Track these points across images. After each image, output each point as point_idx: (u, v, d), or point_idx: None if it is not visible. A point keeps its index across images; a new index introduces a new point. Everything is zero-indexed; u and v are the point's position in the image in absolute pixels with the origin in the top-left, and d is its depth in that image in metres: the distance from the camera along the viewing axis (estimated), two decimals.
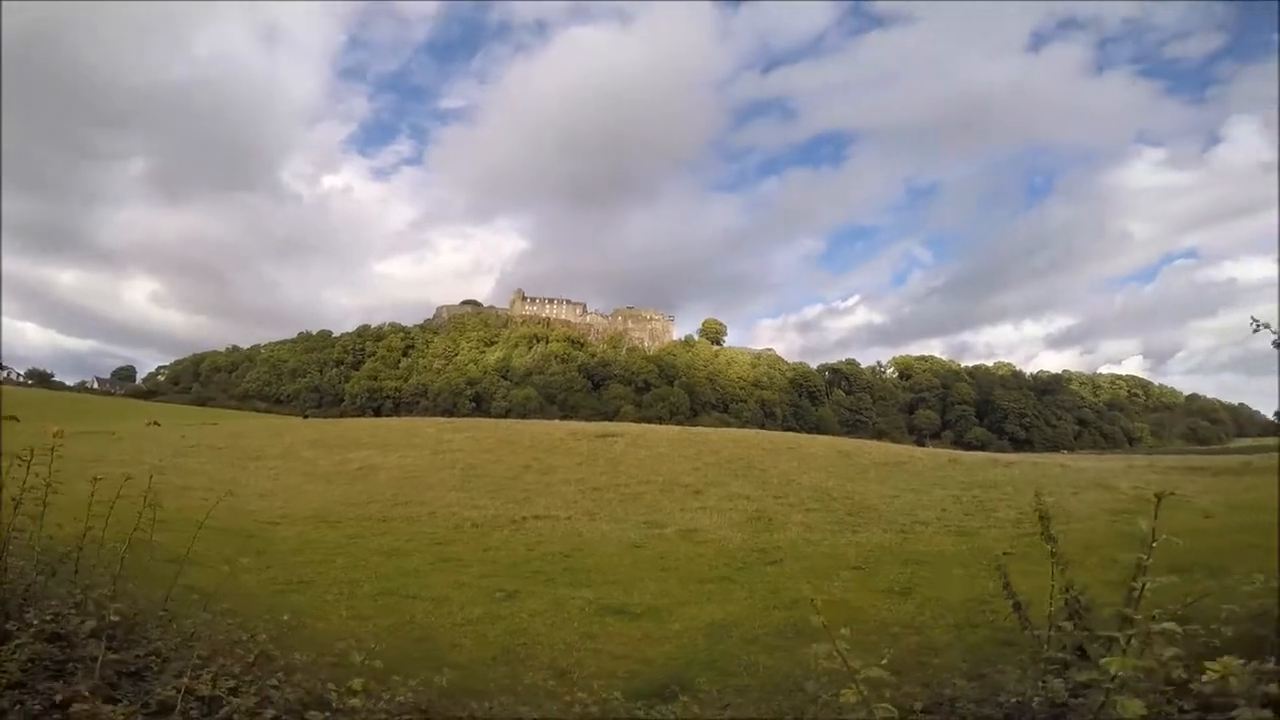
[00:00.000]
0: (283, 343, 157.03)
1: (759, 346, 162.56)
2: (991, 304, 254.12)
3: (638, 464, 24.13)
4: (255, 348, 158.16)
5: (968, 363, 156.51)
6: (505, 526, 15.43)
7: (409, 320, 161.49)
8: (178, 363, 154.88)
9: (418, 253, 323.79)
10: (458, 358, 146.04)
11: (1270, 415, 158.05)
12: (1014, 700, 2.38)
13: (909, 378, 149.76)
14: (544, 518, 16.41)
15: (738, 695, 5.09)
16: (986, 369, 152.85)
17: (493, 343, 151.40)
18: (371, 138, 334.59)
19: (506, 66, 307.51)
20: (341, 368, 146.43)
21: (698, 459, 24.92)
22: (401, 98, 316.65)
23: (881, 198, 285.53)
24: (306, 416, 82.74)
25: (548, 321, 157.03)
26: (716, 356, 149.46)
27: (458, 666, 6.50)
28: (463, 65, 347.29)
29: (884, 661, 2.50)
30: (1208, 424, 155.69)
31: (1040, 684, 2.27)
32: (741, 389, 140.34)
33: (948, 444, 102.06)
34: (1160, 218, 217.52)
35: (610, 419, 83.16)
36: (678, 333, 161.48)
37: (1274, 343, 2.45)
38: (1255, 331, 2.46)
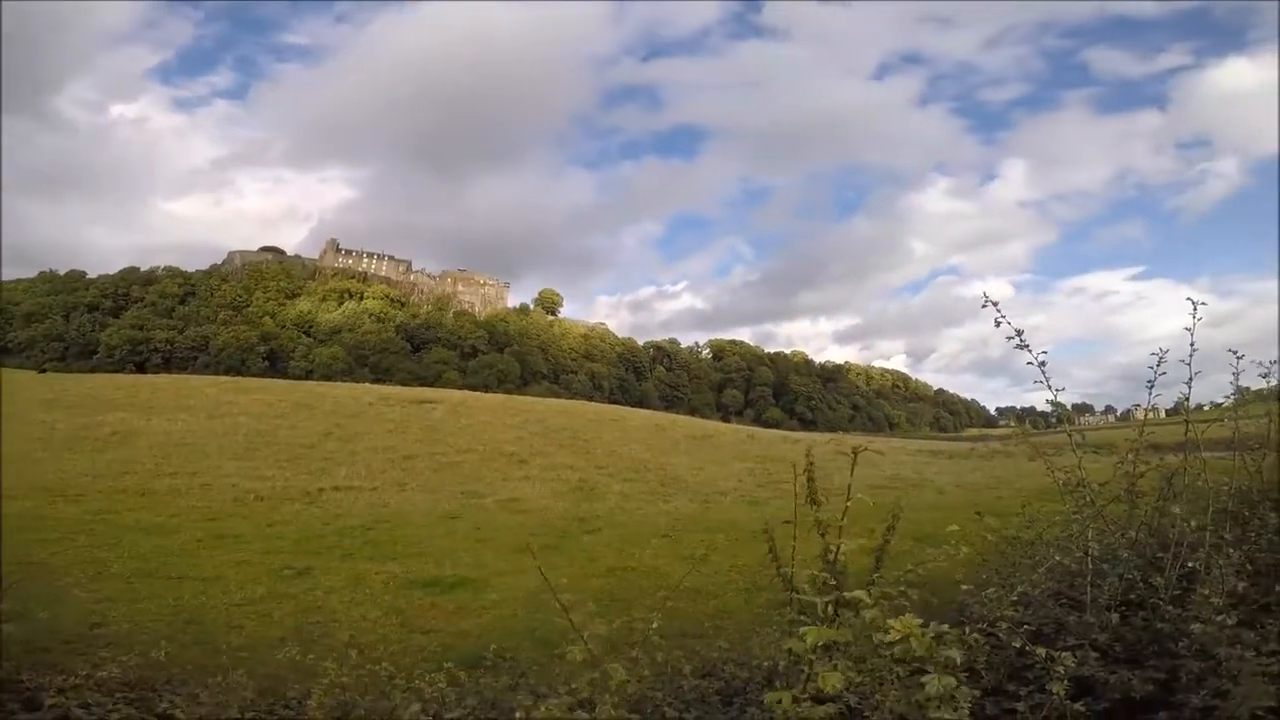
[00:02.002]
0: (16, 282, 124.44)
1: (592, 320, 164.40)
2: (796, 301, 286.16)
3: (458, 432, 23.24)
4: None
5: (770, 349, 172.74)
6: (297, 499, 14.03)
7: (195, 266, 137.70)
8: None
9: (217, 194, 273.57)
10: (249, 309, 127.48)
11: (992, 410, 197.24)
12: (765, 663, 2.64)
13: (721, 359, 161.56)
14: (345, 489, 15.18)
15: (556, 663, 5.14)
16: (785, 356, 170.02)
17: (296, 295, 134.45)
18: (186, 66, 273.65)
19: (375, 12, 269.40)
20: (97, 314, 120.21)
21: (523, 428, 24.66)
22: (234, 26, 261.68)
23: (721, 194, 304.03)
24: (44, 370, 67.05)
25: (364, 277, 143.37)
26: (551, 327, 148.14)
27: (229, 650, 5.80)
28: (324, 3, 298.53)
29: (654, 626, 2.65)
30: (949, 415, 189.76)
31: (786, 649, 2.29)
32: (573, 360, 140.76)
33: (749, 421, 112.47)
34: (937, 239, 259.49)
35: (431, 385, 78.86)
36: (513, 300, 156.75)
37: (996, 320, 3.01)
38: (984, 306, 3.02)
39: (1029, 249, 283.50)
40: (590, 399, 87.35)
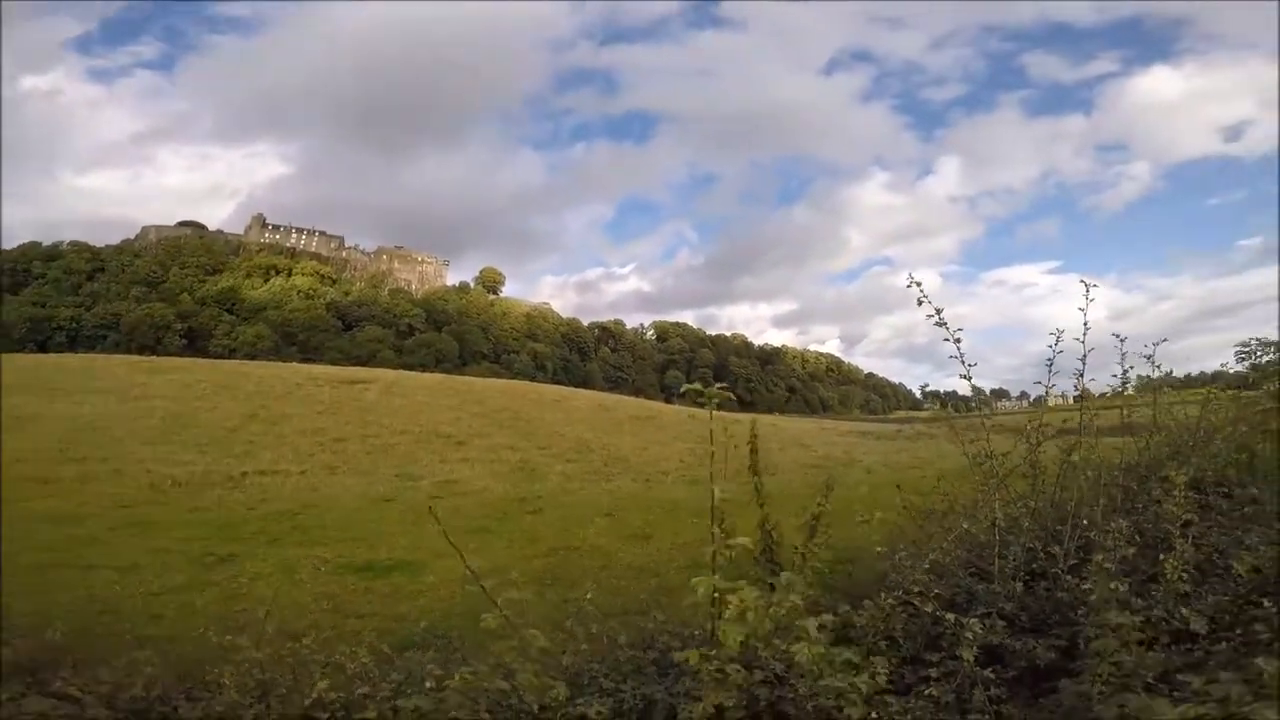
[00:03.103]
0: None
1: (536, 300, 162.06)
2: (737, 285, 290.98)
3: (392, 413, 22.59)
4: None
5: (712, 332, 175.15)
6: (219, 484, 13.38)
7: (107, 242, 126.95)
8: None
9: (135, 169, 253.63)
10: (165, 285, 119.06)
11: (918, 394, 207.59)
12: (698, 631, 2.73)
13: (665, 341, 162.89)
14: (271, 473, 14.57)
15: (494, 641, 5.13)
16: (725, 338, 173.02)
17: (217, 271, 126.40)
18: (108, 36, 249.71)
19: None
20: None
21: (461, 409, 24.19)
22: None
23: (669, 179, 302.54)
24: None
25: (293, 253, 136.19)
26: (492, 306, 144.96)
27: (134, 632, 5.54)
28: None
29: (589, 596, 2.69)
30: (878, 398, 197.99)
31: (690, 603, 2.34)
32: (515, 340, 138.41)
33: (689, 402, 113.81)
34: (872, 230, 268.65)
35: (364, 364, 76.13)
36: (452, 279, 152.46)
37: (919, 299, 3.19)
38: (908, 286, 3.22)
39: (957, 242, 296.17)
40: (533, 379, 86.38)
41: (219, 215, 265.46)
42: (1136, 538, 2.74)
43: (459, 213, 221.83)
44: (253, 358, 78.48)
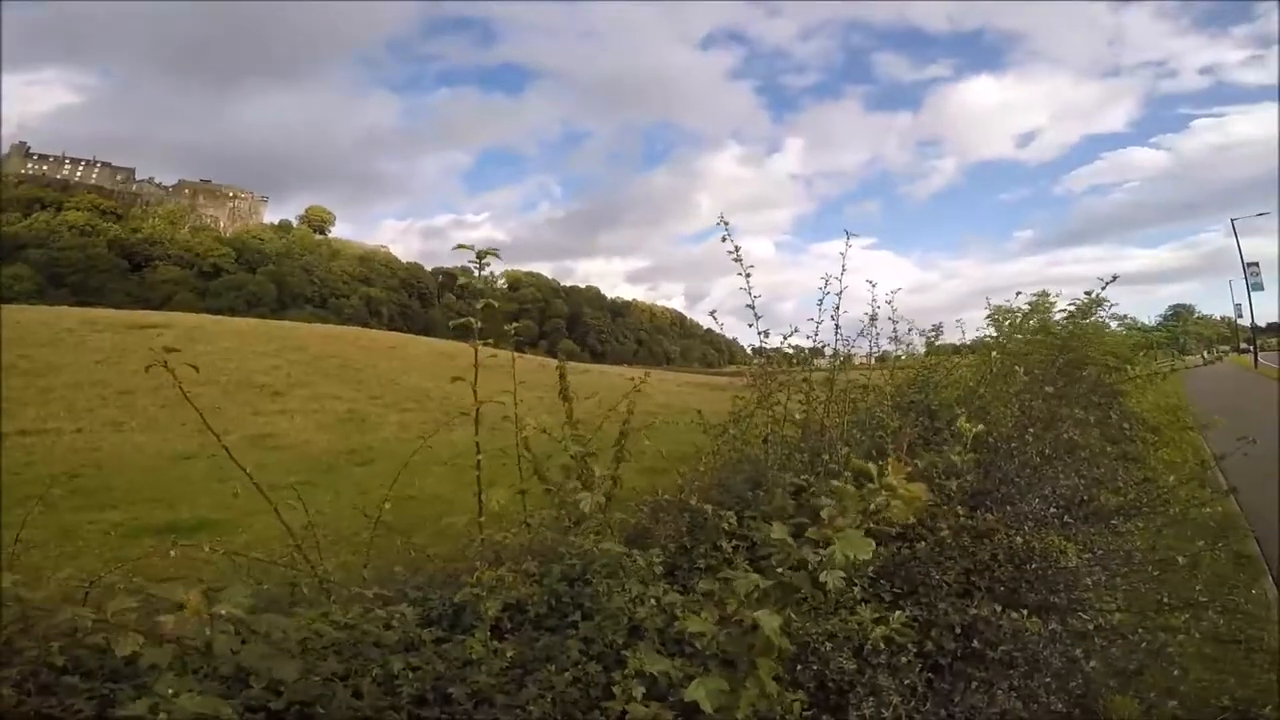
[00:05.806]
0: None
1: (372, 242, 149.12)
2: (596, 241, 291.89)
3: (193, 361, 19.90)
4: None
5: (567, 283, 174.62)
6: None
7: None
8: None
9: None
10: None
11: (749, 350, 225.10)
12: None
13: (517, 290, 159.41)
14: (37, 432, 12.42)
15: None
16: (579, 290, 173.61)
17: None
18: None
19: None
20: None
21: (279, 356, 22.01)
22: None
23: (539, 134, 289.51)
24: None
25: (65, 185, 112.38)
26: (319, 247, 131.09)
27: None
28: None
29: (387, 506, 2.88)
30: (715, 351, 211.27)
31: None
32: (345, 284, 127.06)
33: (542, 352, 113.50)
34: (722, 198, 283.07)
35: (157, 309, 65.67)
36: (272, 217, 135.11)
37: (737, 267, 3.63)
38: (728, 248, 3.62)
39: (792, 215, 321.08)
40: (366, 325, 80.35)
41: None
42: (873, 451, 3.43)
43: (292, 151, 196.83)
44: (9, 302, 64.54)
